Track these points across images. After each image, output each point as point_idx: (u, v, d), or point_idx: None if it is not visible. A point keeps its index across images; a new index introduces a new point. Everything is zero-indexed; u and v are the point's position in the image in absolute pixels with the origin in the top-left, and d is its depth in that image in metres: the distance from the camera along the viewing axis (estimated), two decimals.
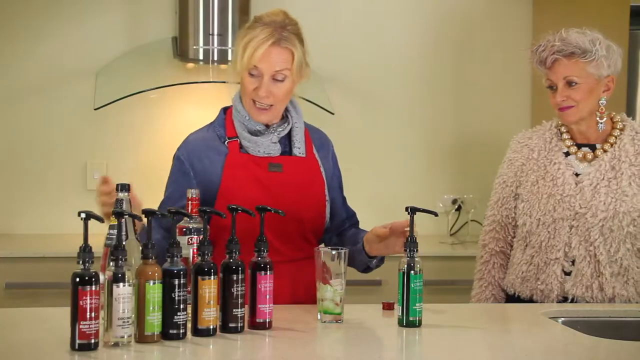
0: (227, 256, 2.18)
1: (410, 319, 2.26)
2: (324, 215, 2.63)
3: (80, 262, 1.97)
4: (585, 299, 2.74)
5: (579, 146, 2.83)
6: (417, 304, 2.26)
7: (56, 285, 3.47)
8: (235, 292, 2.16)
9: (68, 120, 4.19)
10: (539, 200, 2.80)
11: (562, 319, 2.48)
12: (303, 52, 2.53)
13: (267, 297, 2.20)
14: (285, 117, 2.61)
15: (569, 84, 2.75)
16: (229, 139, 2.57)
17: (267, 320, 2.21)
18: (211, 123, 2.64)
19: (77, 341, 1.96)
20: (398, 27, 4.40)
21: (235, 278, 2.16)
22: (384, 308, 2.48)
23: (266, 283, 2.20)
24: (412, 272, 2.26)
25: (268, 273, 2.21)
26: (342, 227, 2.73)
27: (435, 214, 2.39)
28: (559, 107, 2.78)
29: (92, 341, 1.96)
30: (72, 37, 4.19)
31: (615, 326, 2.51)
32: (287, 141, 2.61)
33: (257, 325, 2.20)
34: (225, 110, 2.65)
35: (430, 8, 4.42)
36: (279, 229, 2.50)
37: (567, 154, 2.83)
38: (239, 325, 2.17)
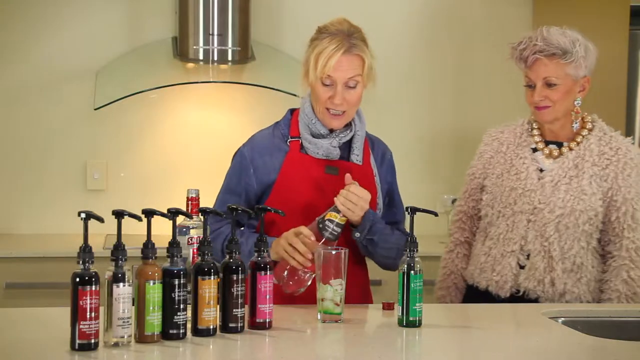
0: (227, 256, 2.18)
1: (410, 319, 2.26)
2: None
3: (80, 262, 1.97)
4: (536, 292, 2.77)
5: (547, 143, 2.86)
6: (417, 304, 2.26)
7: (56, 285, 3.46)
8: (235, 292, 2.16)
9: (68, 120, 4.18)
10: (502, 192, 2.84)
11: (562, 319, 2.48)
12: (371, 56, 2.60)
13: (267, 297, 2.20)
14: (348, 124, 2.67)
15: (548, 84, 2.76)
16: (291, 138, 2.65)
17: (267, 320, 2.21)
18: (277, 122, 2.72)
19: (77, 341, 1.96)
20: (398, 27, 4.39)
21: (235, 278, 2.16)
22: (384, 308, 2.48)
23: (266, 283, 2.20)
24: (412, 272, 2.26)
25: (268, 273, 2.21)
26: None
27: (435, 214, 2.39)
28: (536, 106, 2.79)
29: (92, 341, 1.97)
30: (72, 37, 4.18)
31: (615, 326, 2.51)
32: (346, 148, 2.66)
33: (257, 325, 2.20)
34: (292, 111, 2.72)
35: (431, 8, 4.41)
36: None
37: (534, 149, 2.86)
38: (239, 325, 2.17)
